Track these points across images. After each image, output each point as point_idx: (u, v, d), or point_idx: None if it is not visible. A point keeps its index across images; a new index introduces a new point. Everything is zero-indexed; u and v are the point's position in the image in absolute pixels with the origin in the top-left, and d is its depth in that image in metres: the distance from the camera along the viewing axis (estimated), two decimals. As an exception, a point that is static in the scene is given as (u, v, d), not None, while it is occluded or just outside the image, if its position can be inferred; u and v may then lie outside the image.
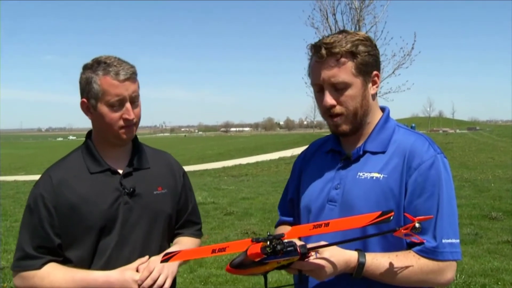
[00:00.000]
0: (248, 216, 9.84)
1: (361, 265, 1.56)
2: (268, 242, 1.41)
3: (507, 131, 65.40)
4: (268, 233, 1.47)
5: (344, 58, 1.65)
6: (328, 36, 1.72)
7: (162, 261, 1.59)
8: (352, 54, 1.65)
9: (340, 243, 1.54)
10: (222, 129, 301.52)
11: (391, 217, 1.39)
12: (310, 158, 1.97)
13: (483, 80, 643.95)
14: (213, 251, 1.51)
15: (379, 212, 1.42)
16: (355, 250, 1.59)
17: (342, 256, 1.55)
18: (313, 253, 1.51)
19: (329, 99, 1.68)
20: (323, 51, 1.64)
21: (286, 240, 1.42)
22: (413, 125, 49.75)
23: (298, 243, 1.50)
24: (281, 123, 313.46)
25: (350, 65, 1.65)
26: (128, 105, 1.86)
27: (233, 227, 8.82)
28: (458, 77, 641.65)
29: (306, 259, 1.49)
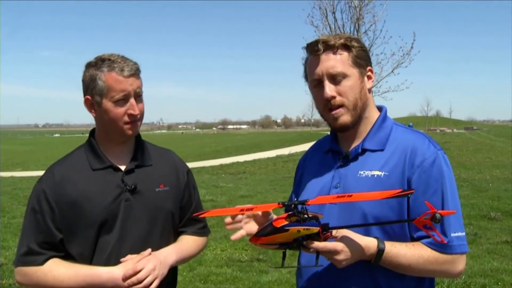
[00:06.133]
0: (247, 214, 9.77)
1: (380, 251, 1.58)
2: (293, 206, 1.50)
3: (504, 131, 65.70)
4: (294, 198, 1.49)
5: (340, 50, 1.72)
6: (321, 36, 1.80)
7: (193, 216, 1.77)
8: (346, 47, 1.73)
9: (358, 226, 1.58)
10: (219, 126, 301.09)
11: (410, 194, 1.47)
12: (310, 159, 2.00)
13: (480, 79, 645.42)
14: (242, 210, 1.65)
15: (400, 190, 1.50)
16: (373, 237, 1.61)
17: (361, 241, 1.57)
18: (333, 232, 1.54)
19: (329, 90, 1.72)
20: (320, 46, 1.71)
21: (310, 215, 1.49)
22: (411, 124, 49.68)
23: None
24: (279, 121, 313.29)
25: (346, 56, 1.73)
26: (132, 100, 1.89)
27: (232, 225, 8.75)
28: (455, 77, 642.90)
29: (326, 237, 1.51)
